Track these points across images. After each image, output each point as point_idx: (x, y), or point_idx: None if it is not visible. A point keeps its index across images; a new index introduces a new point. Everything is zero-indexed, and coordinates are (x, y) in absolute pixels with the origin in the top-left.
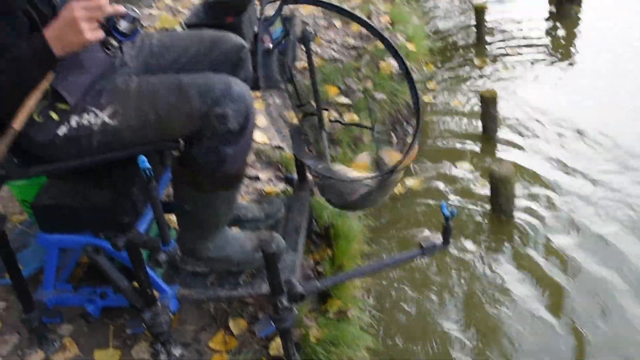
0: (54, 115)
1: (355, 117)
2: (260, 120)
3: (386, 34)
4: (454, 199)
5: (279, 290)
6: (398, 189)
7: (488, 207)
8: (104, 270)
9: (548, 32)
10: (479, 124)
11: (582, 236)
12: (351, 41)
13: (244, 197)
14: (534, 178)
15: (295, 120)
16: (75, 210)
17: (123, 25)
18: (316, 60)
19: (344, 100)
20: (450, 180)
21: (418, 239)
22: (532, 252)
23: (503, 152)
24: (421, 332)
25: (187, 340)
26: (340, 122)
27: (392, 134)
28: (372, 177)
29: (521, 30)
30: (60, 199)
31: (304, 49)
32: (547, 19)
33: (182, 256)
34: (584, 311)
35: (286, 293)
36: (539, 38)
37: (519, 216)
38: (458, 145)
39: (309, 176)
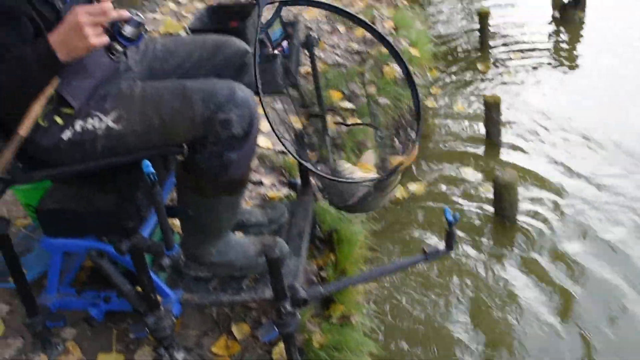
0: (59, 120)
1: (358, 121)
2: (264, 124)
3: (390, 39)
4: (457, 203)
5: (282, 296)
6: (401, 194)
7: (492, 211)
8: (108, 274)
9: (551, 37)
10: (482, 128)
11: (587, 240)
12: (355, 46)
13: (248, 202)
14: (538, 182)
15: (298, 125)
16: (79, 214)
17: (127, 30)
18: (320, 65)
19: (347, 105)
20: (454, 185)
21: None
22: (536, 257)
23: (506, 157)
24: (425, 337)
25: (189, 345)
26: (343, 124)
27: (395, 139)
28: (372, 179)
29: (524, 35)
30: (64, 203)
31: (307, 54)
32: (550, 24)
33: (186, 261)
34: (590, 316)
35: (289, 298)
36: (542, 43)
37: (523, 220)
38: (461, 150)
39: (312, 181)
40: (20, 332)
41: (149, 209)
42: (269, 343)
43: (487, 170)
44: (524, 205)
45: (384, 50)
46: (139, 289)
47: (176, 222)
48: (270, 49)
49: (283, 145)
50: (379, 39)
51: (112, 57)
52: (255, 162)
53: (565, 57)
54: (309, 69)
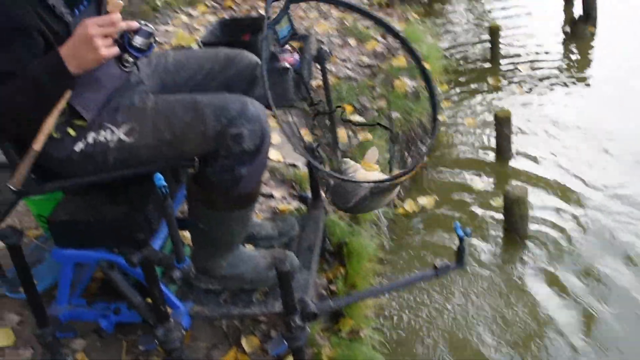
0: (71, 132)
1: (369, 136)
2: (275, 137)
3: (400, 53)
4: (468, 217)
5: (292, 309)
6: (411, 207)
7: (502, 225)
8: (118, 286)
9: (562, 51)
10: (493, 141)
11: (604, 251)
12: (366, 59)
13: (258, 215)
14: (550, 195)
15: (309, 138)
16: (90, 225)
17: (138, 40)
18: (331, 79)
19: (358, 118)
20: (464, 198)
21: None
22: (549, 269)
23: (517, 172)
24: (433, 352)
25: (199, 357)
26: (352, 122)
27: (406, 153)
28: (380, 181)
29: (535, 48)
30: (76, 215)
31: (319, 67)
32: (561, 38)
33: (196, 273)
34: (614, 334)
35: (299, 312)
36: (553, 56)
37: (535, 233)
38: (472, 164)
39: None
40: (30, 343)
41: (160, 221)
42: (278, 357)
43: (498, 184)
44: (535, 217)
45: (395, 63)
46: (149, 300)
47: (186, 234)
48: (286, 64)
49: (291, 144)
50: (393, 34)
51: (124, 68)
52: (265, 175)
53: (576, 70)
54: (320, 82)
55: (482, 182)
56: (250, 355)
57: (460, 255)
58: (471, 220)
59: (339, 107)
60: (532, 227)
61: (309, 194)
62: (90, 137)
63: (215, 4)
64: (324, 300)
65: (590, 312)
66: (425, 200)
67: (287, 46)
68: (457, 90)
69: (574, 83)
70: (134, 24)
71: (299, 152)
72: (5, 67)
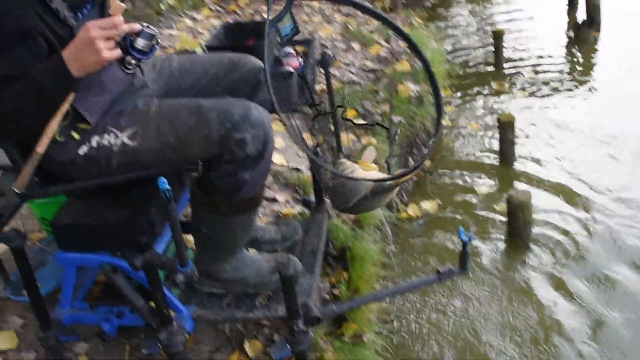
0: (76, 135)
1: (373, 140)
2: (278, 141)
3: (404, 57)
4: (471, 221)
5: (295, 314)
6: (414, 211)
7: (506, 229)
8: (121, 289)
9: (566, 57)
10: (497, 146)
11: (608, 255)
12: (369, 64)
13: (262, 219)
14: (554, 199)
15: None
16: (94, 229)
17: (140, 42)
18: (335, 83)
19: (361, 122)
20: (467, 203)
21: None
22: (554, 273)
23: (521, 176)
24: (437, 356)
25: None
26: (352, 122)
27: (409, 157)
28: (385, 179)
29: (539, 53)
30: (79, 218)
31: (322, 71)
32: (565, 43)
33: (199, 277)
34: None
35: (302, 316)
36: (557, 61)
37: (539, 237)
38: (475, 168)
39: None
40: (33, 346)
41: (163, 225)
42: None
43: (501, 187)
44: (538, 222)
45: (399, 68)
46: (152, 304)
47: (190, 238)
48: (290, 69)
49: (296, 143)
50: (398, 33)
51: (126, 70)
52: (269, 179)
53: (579, 74)
54: (324, 87)
55: (485, 186)
56: (253, 359)
57: (463, 260)
58: (475, 224)
59: (340, 106)
60: (536, 230)
61: (312, 198)
62: (94, 140)
63: (219, 8)
64: (327, 305)
65: (596, 317)
66: (428, 205)
67: (291, 50)
68: (461, 94)
69: (577, 87)
70: (136, 26)
71: (305, 152)
72: (9, 71)
